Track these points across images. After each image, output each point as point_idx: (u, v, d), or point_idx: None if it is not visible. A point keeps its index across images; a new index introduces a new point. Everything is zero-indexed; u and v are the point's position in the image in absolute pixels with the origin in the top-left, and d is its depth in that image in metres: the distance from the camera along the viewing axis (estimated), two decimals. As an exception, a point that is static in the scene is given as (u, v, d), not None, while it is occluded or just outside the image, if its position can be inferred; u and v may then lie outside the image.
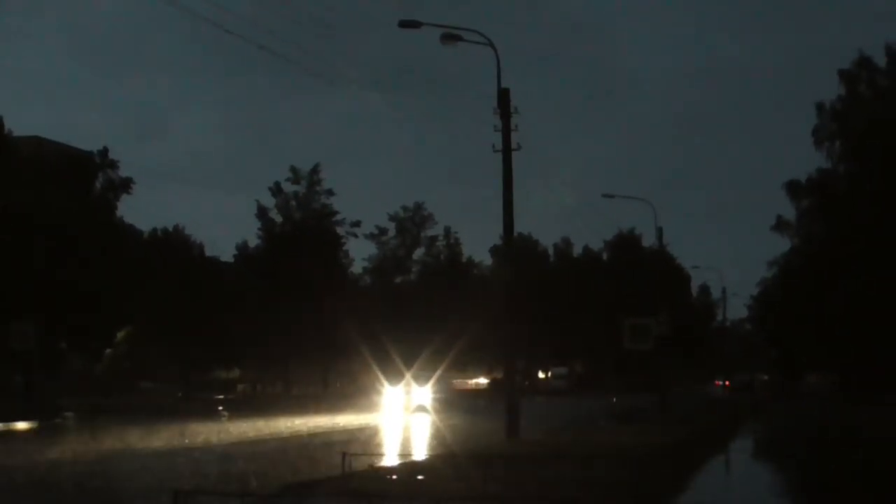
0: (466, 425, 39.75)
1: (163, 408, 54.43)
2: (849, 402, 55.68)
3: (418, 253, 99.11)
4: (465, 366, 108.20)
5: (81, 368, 71.42)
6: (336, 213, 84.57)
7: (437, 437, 33.26)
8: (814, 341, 70.60)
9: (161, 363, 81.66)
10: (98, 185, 66.39)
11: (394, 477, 17.75)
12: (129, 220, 71.33)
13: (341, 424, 41.53)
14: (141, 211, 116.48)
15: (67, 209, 58.11)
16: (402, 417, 47.83)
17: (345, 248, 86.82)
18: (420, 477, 17.66)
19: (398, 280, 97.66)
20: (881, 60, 61.83)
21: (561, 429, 32.52)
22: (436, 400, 54.48)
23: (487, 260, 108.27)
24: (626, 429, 30.60)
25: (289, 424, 40.84)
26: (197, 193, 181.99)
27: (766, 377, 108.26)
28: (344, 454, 18.31)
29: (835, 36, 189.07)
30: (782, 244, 75.99)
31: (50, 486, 19.82)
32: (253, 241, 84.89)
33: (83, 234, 58.30)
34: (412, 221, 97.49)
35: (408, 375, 56.90)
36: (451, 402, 58.51)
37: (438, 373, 57.79)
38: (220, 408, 63.00)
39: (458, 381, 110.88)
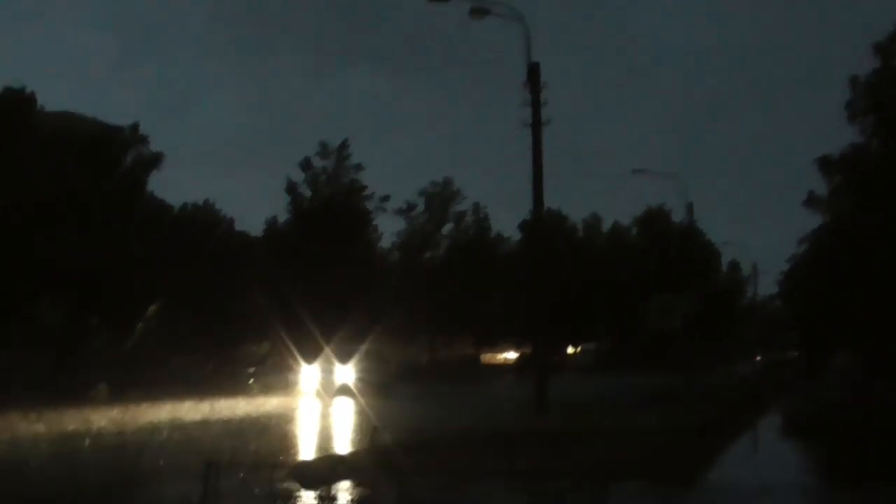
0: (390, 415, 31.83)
1: (192, 382, 54.73)
2: (871, 381, 55.33)
3: (447, 228, 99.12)
4: (494, 340, 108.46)
5: (111, 344, 71.83)
6: (365, 188, 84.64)
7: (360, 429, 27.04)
8: (842, 318, 70.16)
9: (191, 338, 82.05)
10: (128, 160, 66.75)
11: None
12: (159, 195, 71.71)
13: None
14: (171, 187, 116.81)
15: (97, 184, 58.51)
16: (320, 403, 40.80)
17: (374, 223, 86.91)
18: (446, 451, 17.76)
19: (427, 255, 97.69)
20: (918, 33, 61.08)
21: (589, 406, 32.52)
22: (363, 381, 45.07)
23: (516, 235, 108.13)
24: (653, 407, 30.59)
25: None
26: (226, 169, 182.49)
27: (795, 354, 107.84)
28: (374, 428, 18.41)
29: (869, 9, 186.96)
30: (813, 221, 75.47)
31: (84, 457, 20.01)
32: (282, 217, 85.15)
33: (113, 210, 58.67)
34: (441, 197, 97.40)
35: (327, 351, 47.25)
36: (390, 384, 48.06)
37: (364, 347, 47.70)
38: (251, 381, 63.41)
39: (488, 355, 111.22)
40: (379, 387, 44.86)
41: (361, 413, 33.89)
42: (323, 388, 44.61)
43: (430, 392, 50.21)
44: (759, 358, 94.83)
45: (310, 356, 48.52)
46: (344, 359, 45.92)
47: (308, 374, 46.76)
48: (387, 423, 26.48)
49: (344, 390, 43.90)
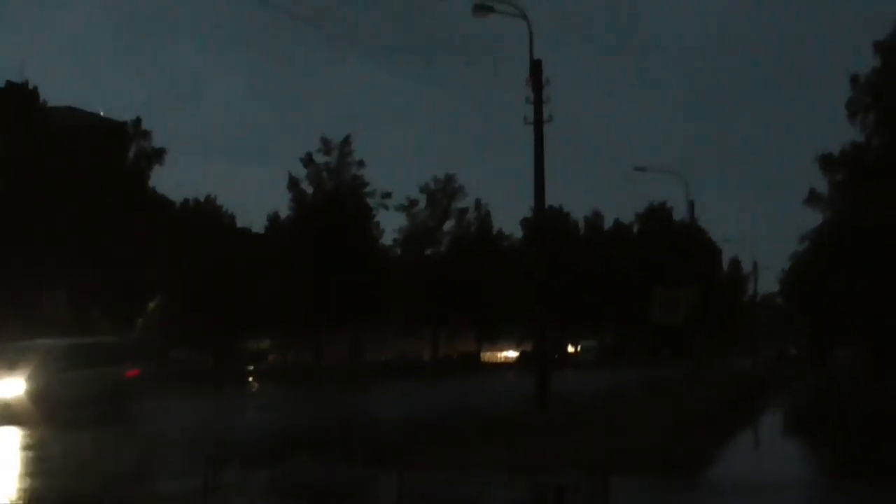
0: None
1: (191, 377, 54.63)
2: (876, 376, 55.48)
3: (448, 225, 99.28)
4: (495, 338, 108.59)
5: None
6: (367, 184, 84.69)
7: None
8: (844, 315, 70.37)
9: (192, 332, 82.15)
10: (131, 155, 66.85)
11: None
12: (160, 190, 71.79)
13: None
14: (174, 180, 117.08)
15: (99, 178, 58.65)
16: None
17: (375, 219, 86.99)
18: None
19: (428, 252, 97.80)
20: (918, 32, 61.26)
21: (590, 401, 32.52)
22: (52, 397, 26.36)
23: (518, 232, 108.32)
24: (655, 401, 30.58)
25: None
26: (228, 163, 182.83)
27: (794, 351, 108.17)
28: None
29: (871, 7, 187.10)
30: (814, 218, 75.70)
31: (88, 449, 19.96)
32: (284, 212, 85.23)
33: (115, 203, 58.79)
34: (443, 193, 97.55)
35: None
36: (122, 400, 29.00)
37: (62, 343, 29.88)
38: (251, 378, 63.42)
39: (488, 353, 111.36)
40: (89, 406, 27.49)
41: None
42: None
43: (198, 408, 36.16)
44: (759, 354, 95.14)
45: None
46: (18, 362, 27.09)
47: None
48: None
49: (5, 413, 25.63)
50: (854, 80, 63.15)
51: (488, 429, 21.08)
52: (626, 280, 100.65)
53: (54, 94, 62.71)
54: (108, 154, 63.13)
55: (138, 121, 67.26)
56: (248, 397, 42.98)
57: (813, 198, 70.46)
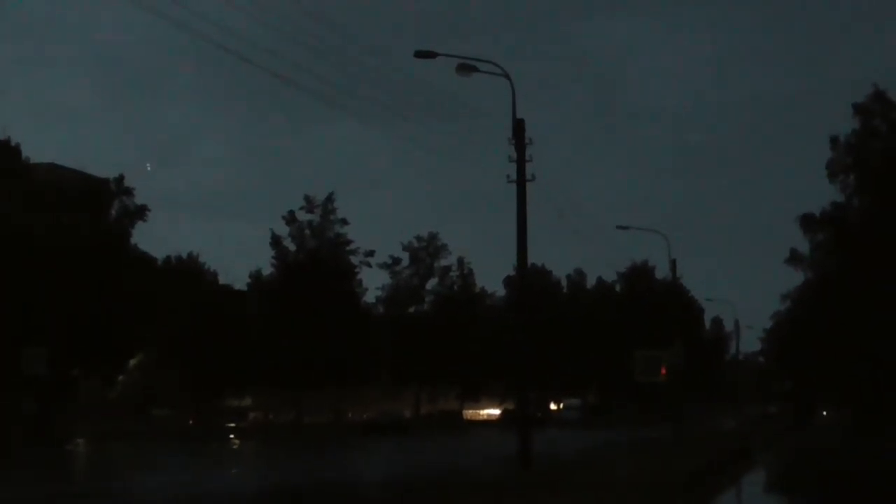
0: None
1: (173, 435, 54.20)
2: (860, 435, 55.45)
3: (431, 283, 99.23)
4: (478, 396, 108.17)
5: (94, 395, 71.44)
6: (350, 242, 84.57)
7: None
8: (826, 375, 70.46)
9: (173, 390, 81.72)
10: (113, 212, 66.62)
11: None
12: (143, 247, 71.52)
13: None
14: (155, 238, 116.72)
15: (81, 235, 58.49)
16: None
17: (358, 277, 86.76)
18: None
19: (411, 310, 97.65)
20: (896, 95, 61.88)
21: (573, 461, 32.38)
22: None
23: (501, 290, 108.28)
24: (641, 461, 30.47)
25: None
26: (211, 221, 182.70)
27: (774, 410, 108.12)
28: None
29: (849, 70, 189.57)
30: (796, 277, 75.97)
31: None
32: (267, 270, 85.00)
33: (96, 261, 58.58)
34: (426, 251, 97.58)
35: None
36: None
37: None
38: (232, 436, 63.04)
39: (471, 411, 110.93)
40: None
41: None
42: None
43: None
44: (742, 413, 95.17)
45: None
46: None
47: None
48: None
49: None
50: (834, 141, 63.59)
51: (470, 489, 20.96)
52: (609, 338, 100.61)
53: (37, 151, 62.69)
54: (90, 211, 62.96)
55: (121, 178, 67.08)
56: (229, 455, 42.59)
57: (794, 257, 70.74)
